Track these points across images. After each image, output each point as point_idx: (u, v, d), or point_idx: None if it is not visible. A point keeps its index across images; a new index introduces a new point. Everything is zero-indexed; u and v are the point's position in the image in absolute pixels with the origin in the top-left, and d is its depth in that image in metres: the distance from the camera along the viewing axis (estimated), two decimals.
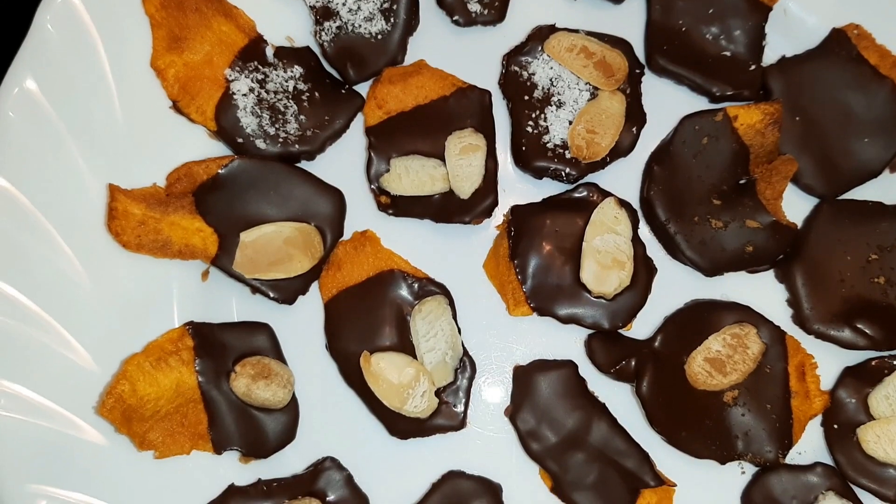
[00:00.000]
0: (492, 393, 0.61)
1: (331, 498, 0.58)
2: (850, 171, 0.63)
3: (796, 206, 0.63)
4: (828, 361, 0.61)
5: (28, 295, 0.56)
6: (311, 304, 0.61)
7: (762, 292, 0.62)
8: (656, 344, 0.60)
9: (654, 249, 0.63)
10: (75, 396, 0.56)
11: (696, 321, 0.61)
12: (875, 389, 0.59)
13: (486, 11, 0.63)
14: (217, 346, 0.58)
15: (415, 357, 0.59)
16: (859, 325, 0.60)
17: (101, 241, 0.58)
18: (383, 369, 0.59)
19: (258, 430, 0.58)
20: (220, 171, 0.59)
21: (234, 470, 0.58)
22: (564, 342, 0.62)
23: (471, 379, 0.60)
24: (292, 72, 0.61)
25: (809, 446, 0.61)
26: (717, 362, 0.59)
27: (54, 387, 0.56)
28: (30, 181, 0.57)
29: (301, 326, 0.61)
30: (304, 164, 0.62)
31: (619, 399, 0.61)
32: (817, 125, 0.63)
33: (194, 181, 0.59)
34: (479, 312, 0.62)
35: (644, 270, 0.61)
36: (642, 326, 0.61)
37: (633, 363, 0.59)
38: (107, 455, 0.56)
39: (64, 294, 0.57)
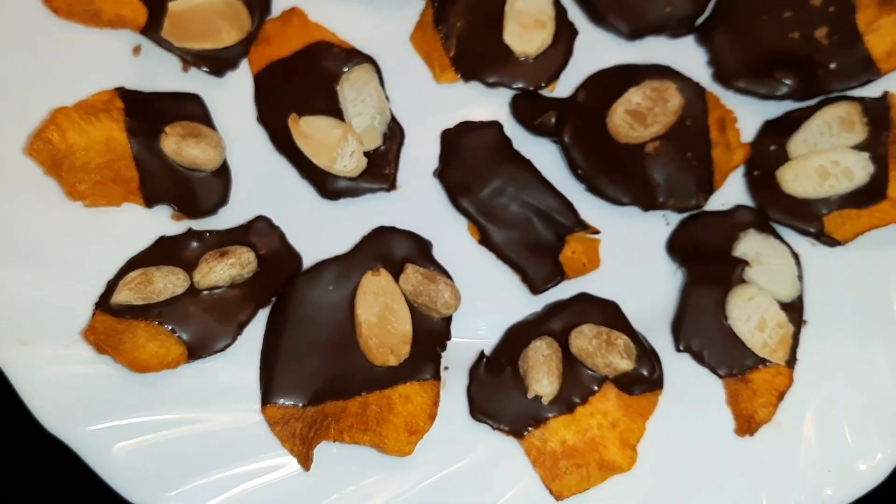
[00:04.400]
0: (421, 158, 0.62)
1: (263, 252, 0.59)
2: None
3: None
4: (749, 118, 0.63)
5: None
6: (242, 81, 0.63)
7: (683, 58, 0.64)
8: (578, 98, 0.61)
9: (579, 18, 0.64)
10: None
11: (617, 78, 0.62)
12: (794, 135, 0.61)
13: None
14: (148, 110, 0.60)
15: (344, 122, 0.61)
16: (777, 75, 0.61)
17: (32, 10, 0.59)
18: (312, 130, 0.60)
19: (190, 190, 0.59)
20: None
21: (166, 225, 0.59)
22: (491, 107, 0.63)
23: (399, 143, 0.62)
24: None
25: (732, 198, 0.62)
26: (638, 114, 0.60)
27: None
28: None
29: (232, 103, 0.62)
30: None
31: (544, 158, 0.62)
32: None
33: None
34: (408, 82, 0.63)
35: (566, 31, 0.62)
36: (567, 90, 0.63)
37: (555, 117, 0.61)
38: (33, 200, 0.56)
39: None
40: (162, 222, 0.59)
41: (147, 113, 0.59)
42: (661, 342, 0.58)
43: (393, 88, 0.62)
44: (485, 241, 0.60)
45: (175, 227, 0.59)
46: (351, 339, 0.57)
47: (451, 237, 0.61)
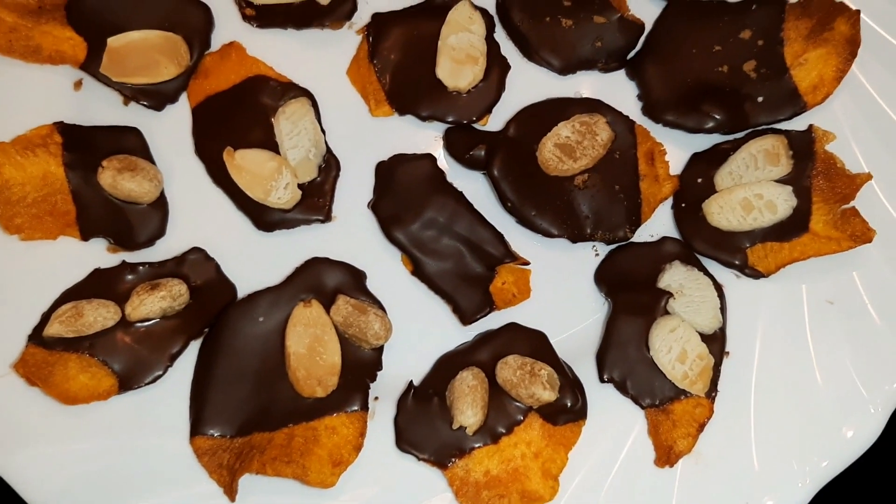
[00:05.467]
0: (357, 190, 0.63)
1: (197, 283, 0.60)
2: None
3: (646, 9, 0.66)
4: (678, 151, 0.64)
5: None
6: (182, 114, 0.64)
7: (614, 92, 0.65)
8: (509, 132, 0.63)
9: (512, 54, 0.65)
10: None
11: (547, 112, 0.63)
12: (721, 168, 0.62)
13: None
14: (86, 144, 0.61)
15: (279, 154, 0.62)
16: (705, 109, 0.62)
17: None
18: (246, 162, 0.61)
19: (127, 223, 0.60)
20: None
21: (102, 258, 0.60)
22: (425, 140, 0.64)
23: (335, 176, 0.63)
24: None
25: (661, 229, 0.63)
26: (567, 148, 0.61)
27: None
28: None
29: (172, 135, 0.63)
30: None
31: (477, 190, 0.63)
32: None
33: None
34: (344, 116, 0.64)
35: (497, 67, 0.64)
36: (500, 124, 0.64)
37: (485, 150, 0.62)
38: None
39: None
40: (98, 254, 0.60)
41: (85, 147, 0.61)
42: (588, 372, 0.59)
43: (329, 121, 0.64)
44: (418, 272, 0.61)
45: (111, 259, 0.60)
46: (280, 371, 0.58)
47: (385, 268, 0.62)
